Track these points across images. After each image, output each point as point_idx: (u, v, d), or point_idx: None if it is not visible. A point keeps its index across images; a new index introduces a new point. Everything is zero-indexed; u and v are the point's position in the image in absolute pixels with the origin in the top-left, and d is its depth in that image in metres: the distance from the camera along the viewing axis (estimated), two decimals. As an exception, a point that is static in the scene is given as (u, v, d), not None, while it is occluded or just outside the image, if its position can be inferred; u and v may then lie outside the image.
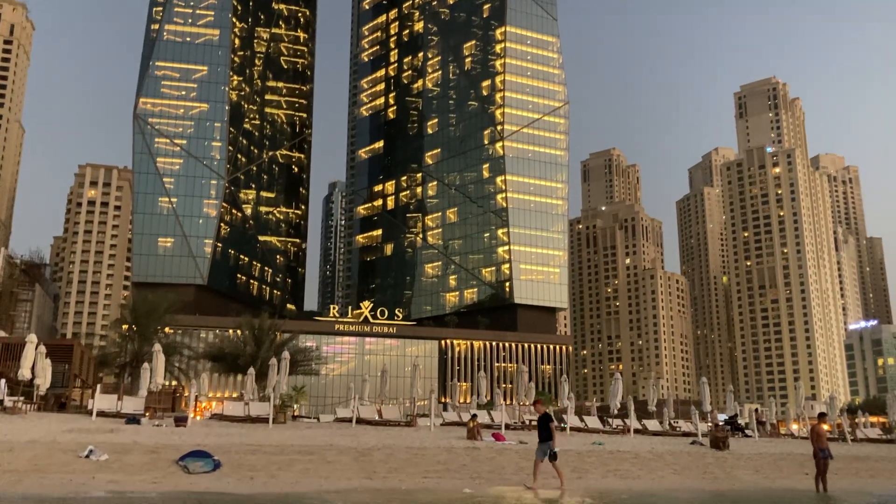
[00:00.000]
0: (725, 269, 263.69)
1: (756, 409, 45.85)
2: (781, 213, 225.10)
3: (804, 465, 25.95)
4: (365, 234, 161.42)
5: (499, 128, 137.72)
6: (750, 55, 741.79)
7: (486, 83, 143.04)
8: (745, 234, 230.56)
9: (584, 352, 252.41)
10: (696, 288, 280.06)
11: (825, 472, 20.06)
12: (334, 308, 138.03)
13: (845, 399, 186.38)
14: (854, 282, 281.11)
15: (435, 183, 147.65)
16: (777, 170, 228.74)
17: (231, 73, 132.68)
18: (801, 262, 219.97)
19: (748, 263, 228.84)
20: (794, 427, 54.67)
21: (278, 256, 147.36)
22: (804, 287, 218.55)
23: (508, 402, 67.75)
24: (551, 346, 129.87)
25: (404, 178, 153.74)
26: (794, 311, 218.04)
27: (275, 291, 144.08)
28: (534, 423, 41.24)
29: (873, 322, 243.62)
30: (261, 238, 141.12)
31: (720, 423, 38.70)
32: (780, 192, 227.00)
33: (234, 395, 79.93)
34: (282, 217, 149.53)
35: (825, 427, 21.71)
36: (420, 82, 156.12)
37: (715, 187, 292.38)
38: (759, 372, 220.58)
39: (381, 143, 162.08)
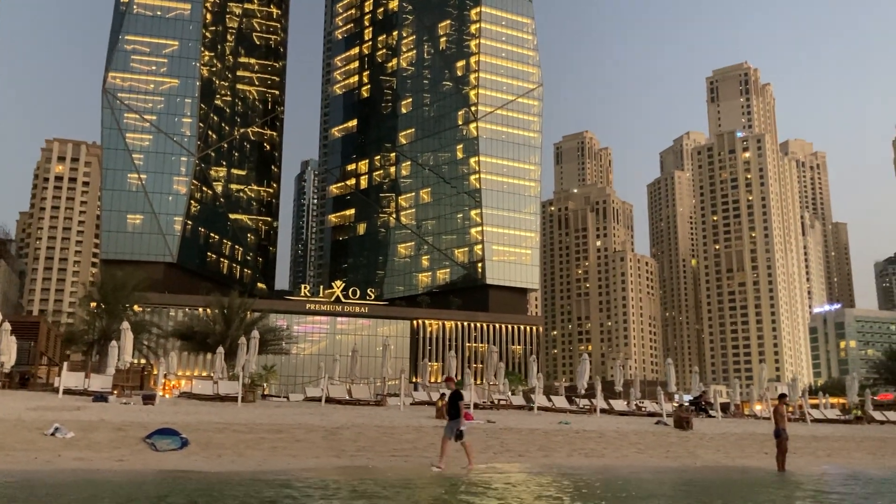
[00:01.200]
0: (694, 252, 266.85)
1: (703, 392, 46.60)
2: (750, 198, 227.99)
3: (765, 444, 26.60)
4: (337, 214, 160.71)
5: (473, 109, 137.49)
6: (723, 40, 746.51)
7: (460, 63, 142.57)
8: (715, 218, 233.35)
9: (555, 332, 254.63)
10: (665, 270, 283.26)
11: (784, 451, 20.58)
12: (306, 287, 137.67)
13: (808, 381, 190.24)
14: (819, 266, 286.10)
15: (409, 163, 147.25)
16: (747, 155, 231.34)
17: (202, 49, 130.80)
18: (768, 246, 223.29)
19: (717, 247, 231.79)
20: (758, 408, 55.81)
21: (249, 235, 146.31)
22: (771, 271, 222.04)
23: (479, 381, 68.31)
24: (522, 327, 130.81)
25: (378, 157, 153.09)
26: (760, 294, 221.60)
27: (245, 270, 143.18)
28: (502, 402, 41.78)
29: (837, 306, 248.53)
30: (232, 216, 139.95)
31: (684, 404, 39.40)
32: (749, 176, 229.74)
33: (204, 373, 79.62)
34: (253, 195, 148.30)
35: (786, 408, 22.23)
36: (394, 61, 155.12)
37: (686, 171, 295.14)
38: (725, 353, 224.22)
39: (354, 122, 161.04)
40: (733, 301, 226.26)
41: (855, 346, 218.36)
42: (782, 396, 22.86)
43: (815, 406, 56.16)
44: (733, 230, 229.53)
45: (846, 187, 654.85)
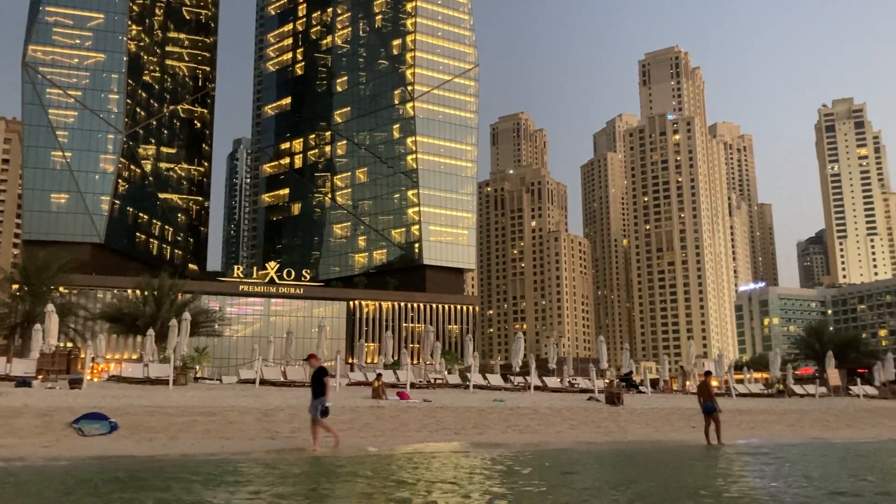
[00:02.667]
0: (626, 233, 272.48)
1: (630, 371, 47.89)
2: (680, 179, 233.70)
3: (692, 419, 27.52)
4: (271, 193, 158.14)
5: (409, 88, 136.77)
6: (655, 24, 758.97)
7: (396, 42, 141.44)
8: (646, 199, 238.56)
9: (491, 312, 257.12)
10: (597, 250, 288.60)
11: (710, 424, 21.35)
12: (239, 268, 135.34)
13: (734, 357, 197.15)
14: (745, 246, 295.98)
15: (344, 142, 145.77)
16: (677, 137, 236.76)
17: (129, 22, 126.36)
18: (696, 227, 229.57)
19: (647, 227, 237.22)
20: (686, 383, 57.60)
21: (180, 215, 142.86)
22: (699, 250, 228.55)
23: (415, 361, 68.58)
24: (459, 307, 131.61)
25: (312, 136, 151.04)
26: (688, 273, 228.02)
27: (176, 251, 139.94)
28: (438, 381, 42.08)
29: (761, 284, 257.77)
30: (161, 195, 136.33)
31: (615, 380, 40.32)
32: (679, 158, 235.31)
33: (134, 356, 77.77)
34: (183, 174, 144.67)
35: (713, 383, 23.06)
36: (329, 38, 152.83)
37: (618, 153, 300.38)
38: (654, 331, 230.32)
39: (288, 100, 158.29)
40: (663, 280, 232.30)
41: (778, 322, 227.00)
42: (708, 373, 23.82)
43: (740, 381, 58.35)
44: (663, 211, 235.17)
45: (771, 169, 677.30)
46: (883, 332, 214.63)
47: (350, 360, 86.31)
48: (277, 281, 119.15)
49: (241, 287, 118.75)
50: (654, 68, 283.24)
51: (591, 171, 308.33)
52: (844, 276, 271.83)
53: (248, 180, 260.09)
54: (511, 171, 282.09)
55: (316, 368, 17.17)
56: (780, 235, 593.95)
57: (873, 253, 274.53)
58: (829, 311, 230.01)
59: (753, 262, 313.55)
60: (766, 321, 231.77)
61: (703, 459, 16.99)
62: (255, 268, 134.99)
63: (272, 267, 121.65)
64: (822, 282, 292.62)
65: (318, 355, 18.34)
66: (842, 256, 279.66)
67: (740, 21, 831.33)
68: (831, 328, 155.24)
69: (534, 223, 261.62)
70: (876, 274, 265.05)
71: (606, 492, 10.89)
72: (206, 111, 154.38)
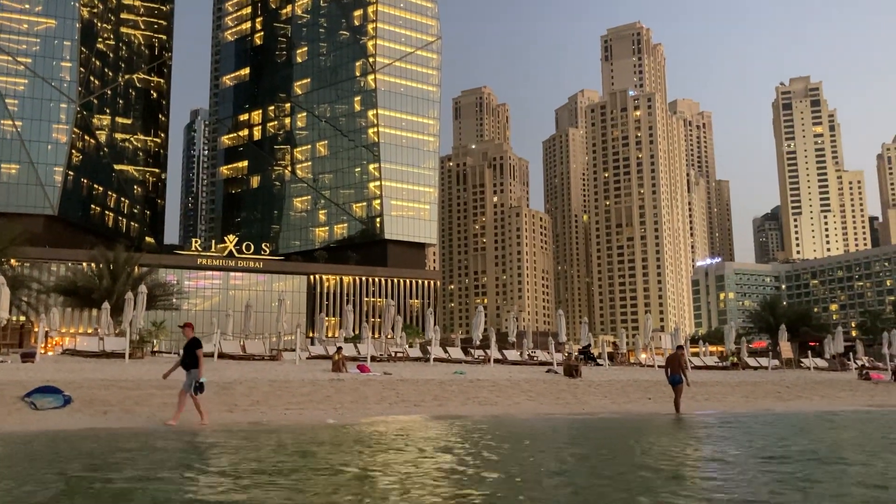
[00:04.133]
0: (586, 208, 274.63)
1: (588, 344, 48.49)
2: (640, 156, 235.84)
3: (648, 390, 27.99)
4: (230, 166, 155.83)
5: (371, 60, 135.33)
6: (618, 0, 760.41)
7: (357, 13, 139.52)
8: (606, 175, 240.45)
9: (452, 286, 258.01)
10: (558, 225, 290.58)
11: (678, 396, 21.90)
12: (197, 242, 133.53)
13: (690, 330, 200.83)
14: (703, 221, 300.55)
15: (304, 114, 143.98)
16: (638, 113, 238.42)
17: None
18: (655, 203, 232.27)
19: (607, 203, 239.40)
20: (643, 356, 58.57)
21: (136, 187, 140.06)
22: (657, 226, 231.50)
23: (376, 335, 68.56)
24: (420, 281, 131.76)
25: (272, 107, 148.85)
26: (647, 248, 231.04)
27: (132, 223, 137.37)
28: (399, 354, 42.15)
29: (717, 259, 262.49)
30: (116, 167, 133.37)
31: (574, 353, 40.78)
32: (639, 134, 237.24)
33: (89, 330, 76.46)
34: (139, 145, 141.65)
35: (683, 356, 23.51)
36: (289, 8, 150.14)
37: (580, 129, 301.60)
38: (613, 305, 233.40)
39: (247, 70, 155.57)
40: (622, 255, 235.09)
41: (733, 297, 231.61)
42: (680, 348, 24.50)
43: (696, 354, 59.49)
44: (623, 187, 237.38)
45: (729, 146, 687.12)
46: (834, 307, 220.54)
47: (310, 334, 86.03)
48: (236, 254, 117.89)
49: (199, 260, 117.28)
50: (616, 44, 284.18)
51: (553, 147, 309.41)
52: (798, 252, 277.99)
53: (206, 152, 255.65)
54: (473, 146, 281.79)
55: (189, 339, 16.01)
56: (737, 212, 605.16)
57: (826, 229, 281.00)
58: (783, 287, 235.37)
59: (710, 238, 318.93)
60: (721, 296, 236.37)
61: (654, 427, 17.31)
62: (213, 241, 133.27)
63: (231, 240, 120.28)
64: (776, 257, 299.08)
65: (191, 323, 16.70)
66: (796, 233, 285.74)
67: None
68: (785, 303, 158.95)
69: (495, 198, 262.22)
70: (828, 250, 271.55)
71: (555, 450, 11.03)
72: (162, 81, 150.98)
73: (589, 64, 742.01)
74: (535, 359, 43.25)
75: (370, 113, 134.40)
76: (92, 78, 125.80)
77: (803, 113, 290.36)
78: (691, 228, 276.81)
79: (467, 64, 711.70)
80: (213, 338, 38.82)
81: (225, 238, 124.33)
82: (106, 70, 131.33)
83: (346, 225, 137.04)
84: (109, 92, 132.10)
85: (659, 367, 44.01)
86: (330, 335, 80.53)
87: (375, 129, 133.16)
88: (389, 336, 45.13)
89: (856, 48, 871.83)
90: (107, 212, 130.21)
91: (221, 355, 36.16)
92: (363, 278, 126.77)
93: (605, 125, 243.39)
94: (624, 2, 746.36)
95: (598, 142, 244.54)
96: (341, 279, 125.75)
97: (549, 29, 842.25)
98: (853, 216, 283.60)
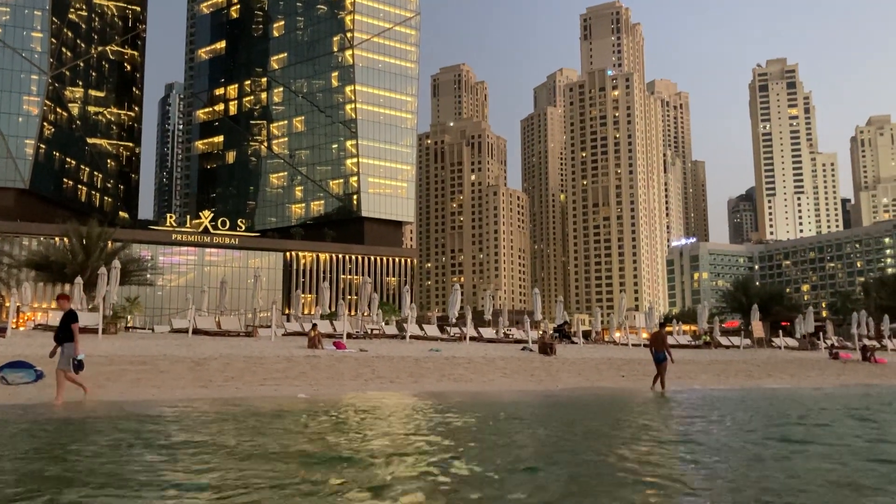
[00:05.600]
0: (563, 187, 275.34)
1: (565, 322, 48.83)
2: (617, 135, 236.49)
3: (621, 368, 28.32)
4: (205, 140, 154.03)
5: (349, 35, 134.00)
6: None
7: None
8: (584, 154, 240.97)
9: (429, 265, 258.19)
10: (535, 204, 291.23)
11: (663, 374, 22.12)
12: (171, 217, 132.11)
13: (664, 309, 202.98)
14: (678, 202, 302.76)
15: (281, 89, 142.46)
16: (616, 93, 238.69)
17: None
18: (632, 182, 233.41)
19: (584, 182, 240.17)
20: (617, 335, 59.19)
21: (109, 161, 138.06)
22: (634, 206, 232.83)
23: (353, 313, 68.55)
24: (397, 259, 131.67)
25: (248, 82, 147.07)
26: (623, 227, 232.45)
27: (106, 198, 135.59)
28: (375, 331, 42.21)
29: (692, 239, 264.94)
30: (90, 140, 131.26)
31: (549, 331, 41.09)
32: (617, 114, 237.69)
33: (62, 306, 75.51)
34: (113, 118, 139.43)
35: (666, 334, 23.83)
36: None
37: (558, 107, 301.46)
38: (588, 284, 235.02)
39: (223, 44, 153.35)
40: (598, 234, 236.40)
41: (707, 277, 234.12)
42: (663, 325, 24.81)
43: (670, 333, 60.17)
44: (600, 166, 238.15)
45: (705, 127, 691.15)
46: (805, 287, 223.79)
47: (286, 311, 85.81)
48: (212, 230, 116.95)
49: (173, 236, 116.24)
50: (595, 23, 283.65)
51: (531, 126, 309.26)
52: (772, 233, 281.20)
53: (181, 126, 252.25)
54: (451, 124, 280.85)
55: (65, 311, 15.06)
56: (712, 192, 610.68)
57: (799, 211, 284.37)
58: (757, 267, 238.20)
59: (686, 218, 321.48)
60: (696, 275, 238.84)
61: (628, 403, 17.55)
62: (188, 217, 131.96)
63: (206, 216, 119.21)
64: (750, 238, 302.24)
65: (67, 295, 15.65)
66: (770, 214, 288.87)
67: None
68: (758, 283, 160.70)
69: (473, 177, 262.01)
70: (801, 231, 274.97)
71: (518, 425, 11.16)
72: (136, 53, 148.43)
73: (568, 42, 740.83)
74: (510, 337, 43.54)
75: (348, 89, 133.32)
76: (64, 49, 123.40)
77: (779, 95, 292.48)
78: (667, 208, 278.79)
79: (446, 41, 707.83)
80: (188, 314, 38.63)
81: (200, 214, 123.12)
82: (78, 41, 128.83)
83: (322, 202, 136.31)
84: (82, 64, 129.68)
85: (633, 345, 44.53)
86: (306, 312, 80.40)
87: (353, 106, 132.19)
88: (366, 313, 45.17)
89: (832, 31, 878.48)
90: (79, 186, 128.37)
91: (196, 331, 36.00)
92: (340, 255, 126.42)
93: (584, 104, 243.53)
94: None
95: (577, 121, 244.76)
96: (318, 256, 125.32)
97: (529, 6, 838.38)
98: (826, 198, 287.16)
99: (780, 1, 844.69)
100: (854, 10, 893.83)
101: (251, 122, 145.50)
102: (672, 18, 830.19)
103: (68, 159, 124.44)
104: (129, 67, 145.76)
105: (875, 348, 44.02)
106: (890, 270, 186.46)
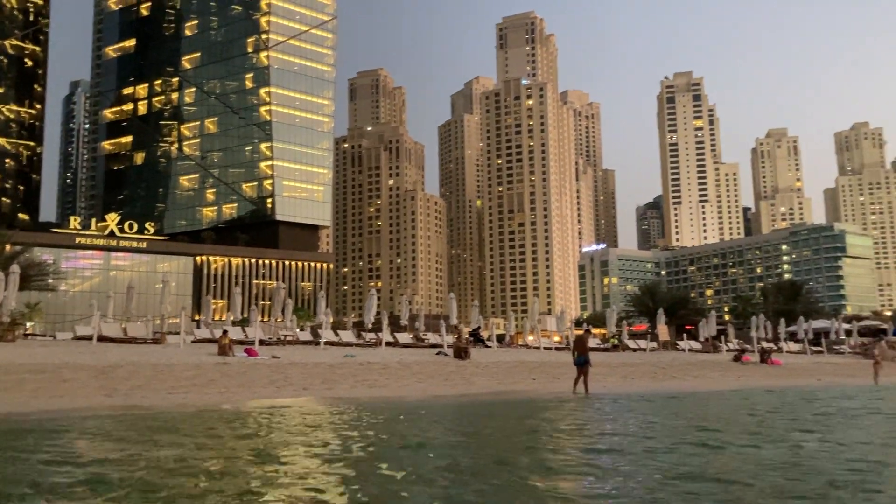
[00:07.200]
0: (480, 194, 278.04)
1: (478, 327, 49.55)
2: (531, 143, 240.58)
3: (533, 371, 28.89)
4: (112, 141, 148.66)
5: (264, 36, 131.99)
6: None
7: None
8: (499, 161, 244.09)
9: (345, 269, 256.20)
10: (452, 210, 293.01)
11: (582, 375, 22.67)
12: (76, 220, 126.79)
13: (576, 313, 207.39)
14: (589, 209, 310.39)
15: (193, 89, 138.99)
16: (530, 102, 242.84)
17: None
18: (546, 190, 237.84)
19: (500, 189, 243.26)
20: (530, 338, 60.17)
21: (8, 160, 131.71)
22: (547, 212, 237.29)
23: (266, 318, 67.41)
24: (312, 264, 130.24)
25: (158, 81, 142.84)
26: (537, 233, 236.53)
27: (3, 199, 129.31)
28: (289, 337, 41.67)
29: (602, 245, 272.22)
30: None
31: (464, 336, 41.46)
32: (531, 123, 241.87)
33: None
34: (12, 116, 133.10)
35: (589, 338, 24.40)
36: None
37: (474, 115, 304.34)
38: (503, 289, 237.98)
39: (132, 42, 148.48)
40: (513, 240, 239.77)
41: (616, 282, 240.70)
42: (587, 331, 25.45)
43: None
44: (515, 173, 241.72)
45: (616, 137, 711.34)
46: (709, 292, 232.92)
47: (197, 317, 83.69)
48: (118, 234, 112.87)
49: (77, 239, 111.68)
50: (510, 32, 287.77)
51: (448, 132, 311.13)
52: (678, 240, 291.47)
53: (87, 126, 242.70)
54: (369, 128, 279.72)
55: None
56: (622, 200, 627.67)
57: (704, 218, 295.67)
58: (663, 272, 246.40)
59: (596, 225, 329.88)
60: (605, 280, 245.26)
61: (544, 405, 17.97)
62: (94, 219, 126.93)
63: (112, 219, 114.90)
64: (657, 244, 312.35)
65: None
66: (676, 221, 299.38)
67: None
68: (664, 288, 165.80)
69: (391, 181, 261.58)
70: (705, 238, 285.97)
71: (426, 428, 11.35)
72: (38, 49, 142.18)
73: (485, 51, 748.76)
74: (426, 341, 43.72)
75: (262, 91, 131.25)
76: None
77: (685, 107, 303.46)
78: (579, 215, 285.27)
79: (364, 45, 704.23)
80: (93, 320, 37.24)
81: (106, 216, 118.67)
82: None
83: (235, 205, 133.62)
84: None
85: (545, 348, 45.42)
86: (217, 318, 78.62)
87: (268, 108, 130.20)
88: (279, 319, 44.57)
89: (735, 47, 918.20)
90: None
91: (101, 338, 34.73)
92: (253, 260, 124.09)
93: (499, 112, 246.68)
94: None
95: (493, 128, 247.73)
96: (230, 261, 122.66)
97: (447, 15, 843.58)
98: (728, 206, 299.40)
99: (688, 16, 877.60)
100: (757, 28, 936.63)
101: (161, 122, 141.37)
102: (585, 31, 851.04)
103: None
104: (30, 63, 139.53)
105: (772, 350, 46.24)
106: (787, 276, 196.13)
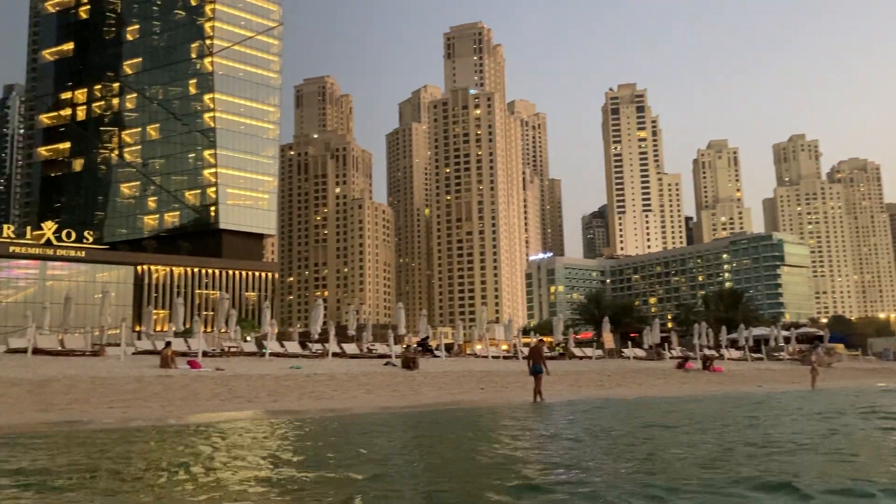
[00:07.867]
0: (428, 202, 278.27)
1: (427, 336, 49.49)
2: (479, 153, 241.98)
3: (481, 381, 28.91)
4: (49, 147, 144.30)
5: (208, 42, 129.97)
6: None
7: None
8: (447, 170, 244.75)
9: (291, 279, 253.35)
10: (400, 218, 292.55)
11: (539, 384, 22.80)
12: (9, 228, 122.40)
13: (523, 322, 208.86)
14: (536, 218, 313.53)
15: (134, 95, 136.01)
16: (478, 111, 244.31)
17: None
18: (493, 199, 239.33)
19: (448, 198, 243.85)
20: (478, 347, 60.29)
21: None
22: (495, 221, 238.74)
23: (209, 329, 66.18)
24: (257, 273, 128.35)
25: (98, 86, 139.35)
26: (485, 242, 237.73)
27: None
28: (233, 349, 40.93)
29: (549, 254, 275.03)
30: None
31: (411, 345, 41.35)
32: (479, 132, 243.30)
33: None
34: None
35: (544, 347, 24.57)
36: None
37: (422, 123, 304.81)
38: (451, 297, 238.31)
39: (70, 45, 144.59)
40: (461, 249, 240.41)
41: (562, 290, 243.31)
42: (541, 340, 25.59)
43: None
44: (463, 182, 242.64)
45: (562, 147, 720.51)
46: (653, 300, 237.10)
47: (137, 328, 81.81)
48: (55, 242, 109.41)
49: (11, 248, 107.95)
50: (458, 42, 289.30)
51: (396, 141, 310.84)
52: (622, 249, 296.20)
53: (22, 131, 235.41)
54: (316, 136, 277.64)
55: None
56: (568, 209, 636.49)
57: (647, 228, 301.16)
58: (608, 281, 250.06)
59: (543, 234, 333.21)
60: (552, 289, 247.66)
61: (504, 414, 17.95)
62: (28, 228, 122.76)
63: (49, 227, 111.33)
64: (602, 253, 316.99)
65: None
66: (620, 230, 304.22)
67: (541, 3, 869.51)
68: (609, 296, 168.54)
69: (338, 190, 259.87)
70: (649, 247, 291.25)
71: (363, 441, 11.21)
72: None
73: (432, 60, 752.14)
74: (374, 352, 43.42)
75: (206, 97, 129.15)
76: None
77: (629, 118, 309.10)
78: (526, 224, 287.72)
79: (311, 53, 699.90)
80: (28, 332, 35.98)
81: (42, 225, 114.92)
82: None
83: (177, 213, 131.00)
84: None
85: (493, 357, 45.53)
86: (159, 329, 76.86)
87: (212, 114, 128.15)
88: (223, 330, 43.76)
89: (677, 59, 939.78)
90: None
91: (37, 351, 33.57)
92: (195, 269, 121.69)
93: (447, 121, 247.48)
94: (467, 0, 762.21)
95: (441, 137, 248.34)
96: (172, 270, 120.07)
97: (395, 23, 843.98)
98: (671, 216, 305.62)
99: (632, 29, 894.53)
100: (699, 42, 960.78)
101: (101, 128, 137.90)
102: (532, 41, 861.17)
103: None
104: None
105: (714, 357, 47.22)
106: (728, 284, 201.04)
